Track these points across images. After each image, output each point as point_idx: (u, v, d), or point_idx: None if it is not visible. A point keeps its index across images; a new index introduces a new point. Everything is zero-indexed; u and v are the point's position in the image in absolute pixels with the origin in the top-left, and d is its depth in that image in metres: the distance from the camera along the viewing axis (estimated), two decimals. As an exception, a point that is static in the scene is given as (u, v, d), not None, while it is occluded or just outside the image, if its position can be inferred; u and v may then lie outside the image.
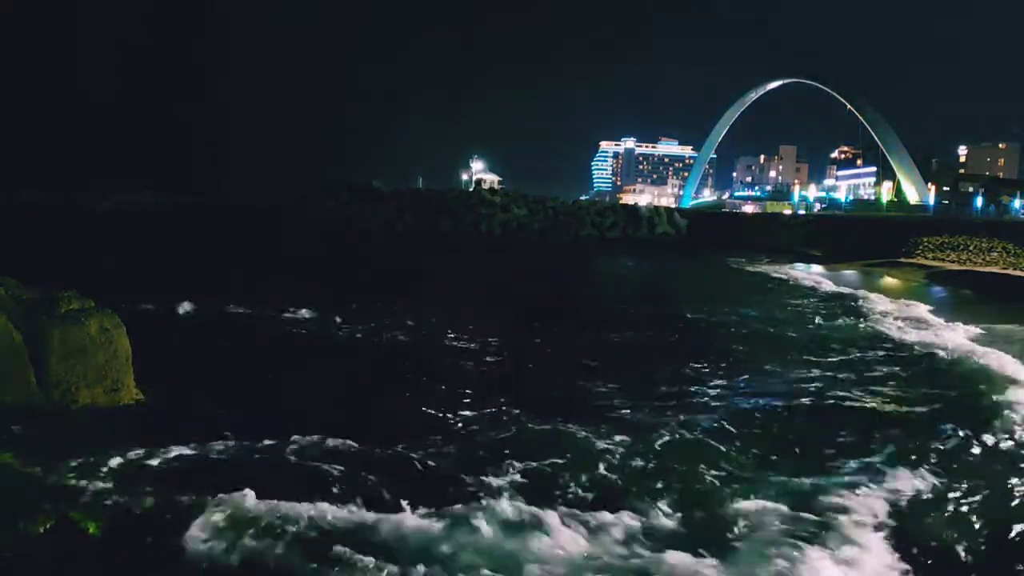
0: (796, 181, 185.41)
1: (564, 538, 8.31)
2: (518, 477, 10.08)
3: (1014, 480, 10.59)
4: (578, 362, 17.75)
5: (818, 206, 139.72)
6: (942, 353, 19.57)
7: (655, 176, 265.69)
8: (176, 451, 10.19)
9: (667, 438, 11.91)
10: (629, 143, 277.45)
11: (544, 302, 30.08)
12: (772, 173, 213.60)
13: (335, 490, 9.30)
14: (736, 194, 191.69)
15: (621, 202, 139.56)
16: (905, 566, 8.04)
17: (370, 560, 7.59)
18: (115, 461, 9.65)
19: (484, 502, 9.06)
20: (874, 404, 14.72)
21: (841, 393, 15.43)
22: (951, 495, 10.02)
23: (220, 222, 77.84)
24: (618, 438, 11.69)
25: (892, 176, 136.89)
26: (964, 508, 9.64)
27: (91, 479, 9.03)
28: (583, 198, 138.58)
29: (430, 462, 10.51)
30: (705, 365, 17.67)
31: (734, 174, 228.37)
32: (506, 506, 8.91)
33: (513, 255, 58.85)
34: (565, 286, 37.96)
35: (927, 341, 21.43)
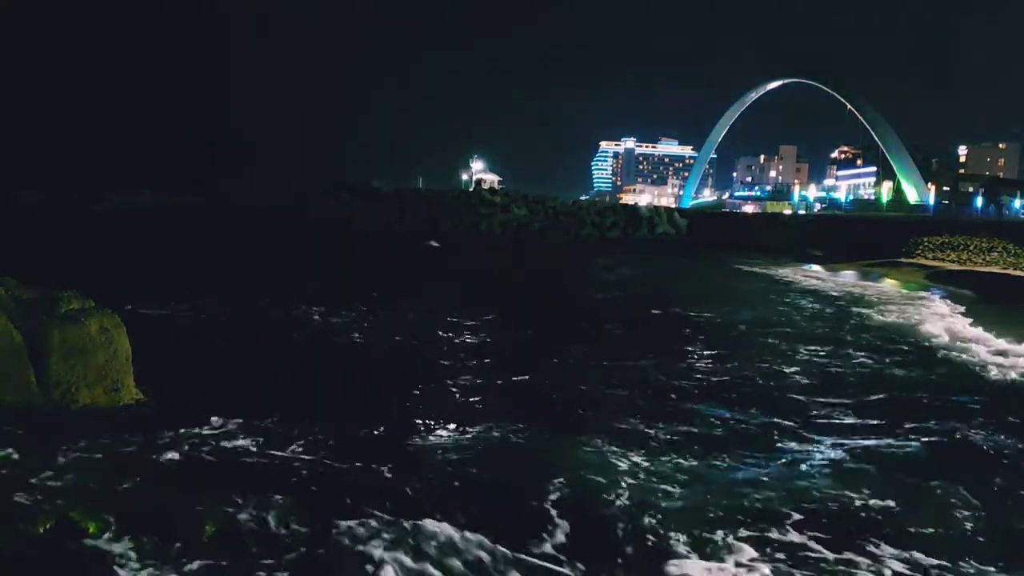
0: (796, 181, 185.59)
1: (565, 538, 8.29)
2: (513, 480, 10.06)
3: None
4: (578, 362, 17.74)
5: (818, 206, 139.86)
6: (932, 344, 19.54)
7: (655, 176, 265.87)
8: (176, 451, 10.19)
9: (666, 443, 11.90)
10: (629, 143, 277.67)
11: (544, 302, 30.08)
12: (772, 173, 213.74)
13: (336, 490, 9.29)
14: (736, 194, 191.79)
15: (621, 202, 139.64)
16: None
17: (370, 561, 7.58)
18: (115, 461, 9.65)
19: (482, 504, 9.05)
20: (881, 407, 14.71)
21: (851, 397, 15.40)
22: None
23: (220, 222, 77.83)
24: (617, 439, 11.68)
25: (892, 176, 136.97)
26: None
27: (91, 479, 9.02)
28: (583, 198, 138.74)
29: (429, 463, 10.50)
30: (705, 366, 17.67)
31: (734, 174, 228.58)
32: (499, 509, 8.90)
33: (513, 255, 58.85)
34: (565, 286, 37.97)
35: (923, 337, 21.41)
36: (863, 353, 19.70)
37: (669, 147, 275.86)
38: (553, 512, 8.94)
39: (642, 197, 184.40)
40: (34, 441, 10.00)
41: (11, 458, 9.36)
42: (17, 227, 54.63)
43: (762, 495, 9.71)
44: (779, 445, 11.85)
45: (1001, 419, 13.52)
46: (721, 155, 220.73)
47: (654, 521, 8.80)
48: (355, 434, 11.44)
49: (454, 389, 14.68)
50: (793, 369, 17.55)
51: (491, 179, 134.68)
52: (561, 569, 7.71)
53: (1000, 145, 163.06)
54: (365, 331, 20.88)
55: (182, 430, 11.00)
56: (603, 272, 45.62)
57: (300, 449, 10.63)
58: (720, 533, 8.55)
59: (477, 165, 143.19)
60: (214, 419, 11.63)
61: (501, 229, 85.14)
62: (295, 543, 7.90)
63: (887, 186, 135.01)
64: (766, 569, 7.87)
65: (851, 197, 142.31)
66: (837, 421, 13.35)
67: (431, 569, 7.55)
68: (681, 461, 10.82)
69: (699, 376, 16.53)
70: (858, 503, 9.60)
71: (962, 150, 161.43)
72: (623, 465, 10.60)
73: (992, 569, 8.03)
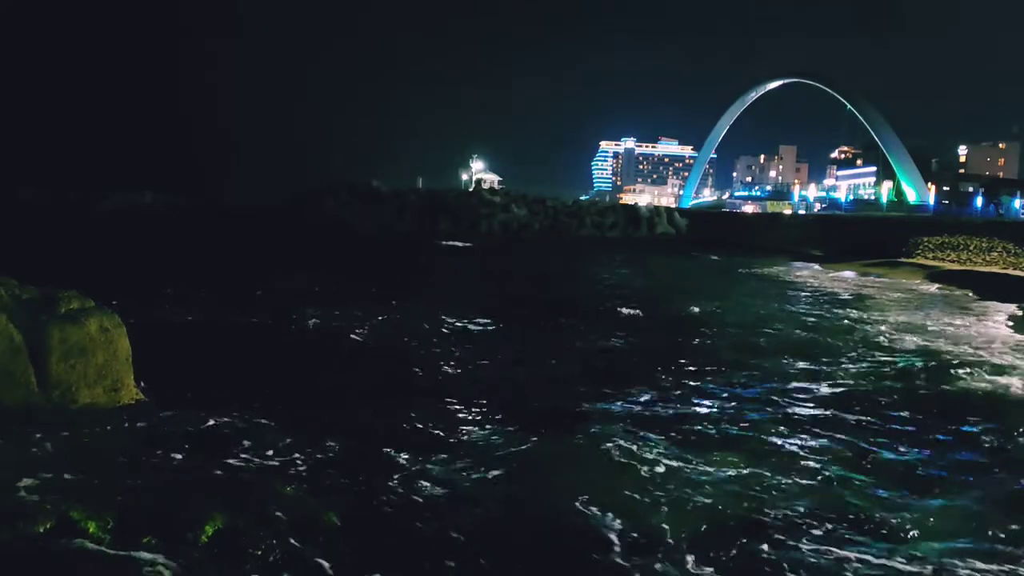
0: (796, 181, 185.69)
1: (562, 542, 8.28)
2: (505, 486, 10.06)
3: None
4: (577, 363, 17.75)
5: (818, 206, 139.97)
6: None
7: (655, 176, 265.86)
8: (176, 451, 10.19)
9: (664, 446, 11.90)
10: (629, 143, 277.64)
11: (544, 302, 30.06)
12: (772, 173, 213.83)
13: (336, 490, 9.29)
14: (736, 194, 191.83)
15: (621, 202, 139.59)
16: None
17: (368, 561, 7.58)
18: (115, 461, 9.64)
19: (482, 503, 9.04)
20: (880, 407, 14.70)
21: (845, 397, 15.40)
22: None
23: (219, 222, 77.85)
24: (615, 442, 11.68)
25: (892, 176, 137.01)
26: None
27: (91, 479, 9.01)
28: (583, 198, 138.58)
29: (428, 464, 10.50)
30: (704, 368, 17.66)
31: (734, 174, 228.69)
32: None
33: (513, 255, 58.84)
34: (566, 286, 37.94)
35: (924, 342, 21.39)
36: (859, 354, 19.70)
37: (669, 147, 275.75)
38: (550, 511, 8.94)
39: (642, 197, 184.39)
40: (34, 441, 10.00)
41: (11, 458, 9.36)
42: (17, 226, 54.60)
43: (761, 494, 9.71)
44: (778, 443, 11.85)
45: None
46: (721, 155, 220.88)
47: (652, 520, 8.81)
48: (356, 434, 11.43)
49: (454, 389, 14.68)
50: (791, 369, 17.55)
51: (491, 179, 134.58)
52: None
53: (1000, 145, 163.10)
54: (365, 331, 20.87)
55: (182, 430, 11.00)
56: (604, 272, 45.60)
57: (301, 449, 10.62)
58: (730, 540, 8.55)
59: (477, 165, 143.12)
60: (214, 419, 11.64)
61: (501, 229, 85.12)
62: (295, 543, 7.90)
63: (887, 186, 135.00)
64: (764, 569, 7.87)
65: (851, 197, 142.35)
66: (836, 421, 13.35)
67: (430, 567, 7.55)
68: (678, 461, 10.82)
69: (698, 376, 16.53)
70: (860, 502, 9.61)
71: (962, 150, 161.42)
72: (622, 465, 10.60)
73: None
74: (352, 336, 20.19)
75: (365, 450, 10.78)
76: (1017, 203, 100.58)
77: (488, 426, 12.23)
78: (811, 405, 14.39)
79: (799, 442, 12.03)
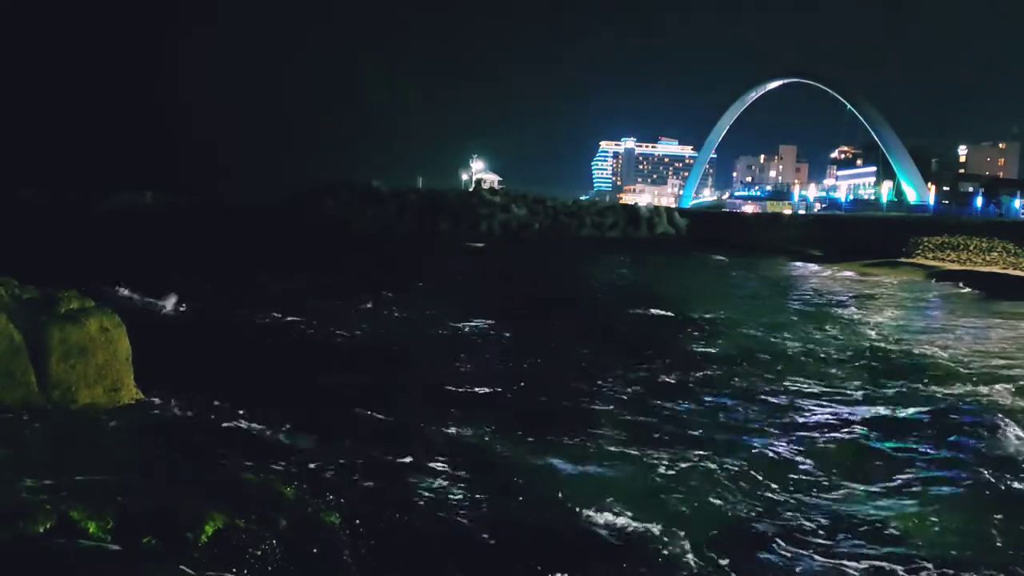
0: (796, 181, 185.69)
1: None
2: (500, 488, 10.05)
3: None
4: (578, 363, 17.74)
5: (818, 206, 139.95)
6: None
7: (655, 176, 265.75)
8: (176, 451, 10.18)
9: (663, 447, 11.89)
10: (629, 143, 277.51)
11: (544, 302, 30.06)
12: (772, 173, 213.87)
13: (336, 490, 9.28)
14: (736, 194, 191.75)
15: (621, 202, 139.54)
16: None
17: (368, 561, 7.58)
18: (115, 461, 9.63)
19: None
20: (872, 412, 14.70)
21: (839, 397, 15.39)
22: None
23: (219, 222, 77.80)
24: (616, 443, 11.68)
25: (892, 176, 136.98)
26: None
27: (91, 479, 9.00)
28: (583, 198, 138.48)
29: (428, 464, 10.49)
30: (704, 369, 17.65)
31: (734, 174, 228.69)
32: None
33: (513, 254, 58.83)
34: (566, 286, 37.94)
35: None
36: (859, 353, 19.69)
37: (669, 147, 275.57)
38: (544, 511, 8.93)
39: (642, 197, 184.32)
40: (34, 441, 9.99)
41: (11, 458, 9.35)
42: (17, 226, 54.57)
43: (760, 493, 9.71)
44: (780, 445, 11.85)
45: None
46: (721, 155, 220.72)
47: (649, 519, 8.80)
48: (357, 433, 11.43)
49: (454, 388, 14.67)
50: (788, 369, 17.54)
51: (491, 179, 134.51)
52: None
53: (1000, 145, 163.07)
54: (364, 331, 20.87)
55: (182, 430, 10.99)
56: (604, 272, 45.58)
57: (301, 448, 10.62)
58: (729, 542, 8.55)
59: (477, 165, 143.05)
60: (214, 419, 11.63)
61: (501, 229, 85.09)
62: (295, 543, 7.89)
63: (887, 186, 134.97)
64: (761, 569, 7.86)
65: (851, 197, 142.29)
66: (833, 420, 13.34)
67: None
68: (677, 462, 10.81)
69: (695, 376, 16.52)
70: (862, 501, 9.60)
71: (962, 150, 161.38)
72: (620, 464, 10.60)
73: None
74: (352, 336, 20.19)
75: (366, 449, 10.77)
76: (1017, 203, 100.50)
77: (489, 425, 12.22)
78: (811, 406, 14.38)
79: (803, 446, 12.03)
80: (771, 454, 11.43)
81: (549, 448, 11.29)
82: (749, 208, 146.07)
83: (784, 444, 11.92)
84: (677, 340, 21.21)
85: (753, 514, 9.20)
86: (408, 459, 10.51)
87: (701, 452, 11.23)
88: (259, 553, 7.60)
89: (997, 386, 15.87)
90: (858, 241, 62.16)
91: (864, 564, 8.06)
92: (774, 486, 10.07)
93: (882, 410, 14.10)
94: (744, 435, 12.31)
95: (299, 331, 20.58)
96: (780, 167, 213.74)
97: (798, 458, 11.30)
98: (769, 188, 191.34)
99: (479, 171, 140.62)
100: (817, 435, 12.44)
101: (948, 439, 12.35)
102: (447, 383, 15.18)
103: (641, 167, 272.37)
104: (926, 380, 16.59)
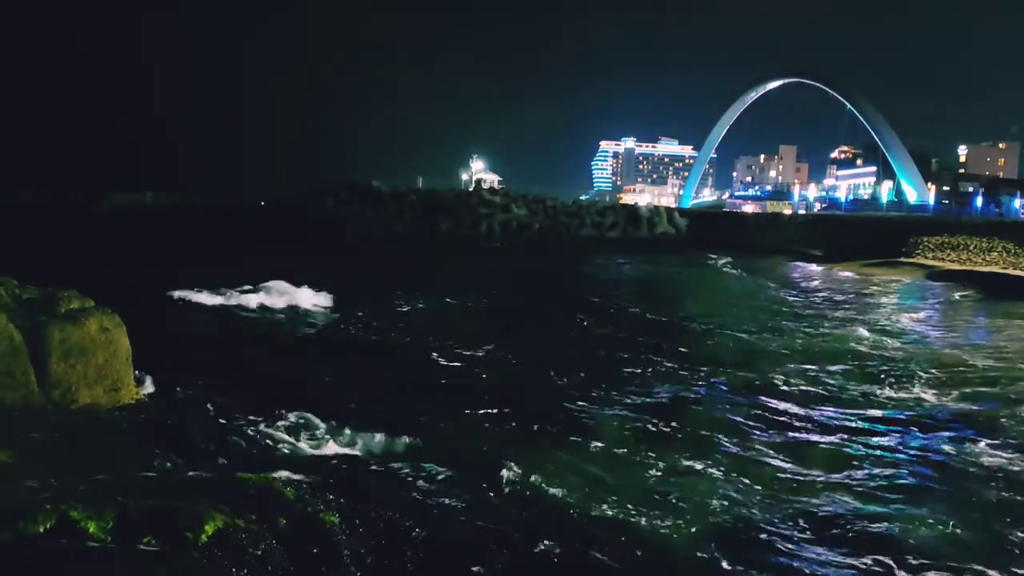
0: (796, 181, 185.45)
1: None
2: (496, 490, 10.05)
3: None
4: (578, 363, 17.74)
5: (818, 206, 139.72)
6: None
7: (655, 176, 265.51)
8: (177, 451, 10.18)
9: (661, 448, 11.90)
10: (629, 143, 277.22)
11: (544, 302, 30.06)
12: (772, 173, 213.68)
13: (336, 490, 9.27)
14: (736, 194, 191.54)
15: (621, 202, 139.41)
16: None
17: (369, 561, 7.57)
18: (115, 461, 9.63)
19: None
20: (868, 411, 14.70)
21: (841, 398, 15.40)
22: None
23: (219, 222, 77.77)
24: (617, 442, 11.68)
25: (892, 176, 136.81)
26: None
27: (91, 479, 9.00)
28: (583, 198, 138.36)
29: (429, 463, 10.50)
30: (701, 368, 17.66)
31: (734, 174, 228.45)
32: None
33: (513, 254, 58.82)
34: (565, 286, 37.94)
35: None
36: (857, 354, 19.69)
37: (669, 147, 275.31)
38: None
39: (642, 197, 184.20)
40: (34, 441, 9.99)
41: (11, 458, 9.35)
42: (16, 226, 54.56)
43: (763, 497, 9.71)
44: (783, 445, 11.85)
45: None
46: (721, 155, 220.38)
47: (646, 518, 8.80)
48: (358, 433, 11.43)
49: (455, 388, 14.68)
50: (785, 369, 17.54)
51: (491, 179, 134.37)
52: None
53: (1000, 145, 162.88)
54: (365, 330, 20.86)
55: (182, 430, 10.99)
56: (603, 272, 45.56)
57: (301, 448, 10.62)
58: (729, 542, 8.55)
59: (477, 165, 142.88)
60: (215, 418, 11.63)
61: (501, 229, 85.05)
62: (295, 543, 7.89)
63: (887, 186, 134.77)
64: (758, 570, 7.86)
65: (851, 197, 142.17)
66: (826, 422, 13.34)
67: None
68: (676, 462, 10.82)
69: (693, 376, 16.52)
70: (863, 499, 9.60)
71: (962, 150, 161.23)
72: (619, 463, 10.60)
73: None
74: (352, 335, 20.19)
75: (366, 449, 10.78)
76: (1017, 203, 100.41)
77: (489, 425, 12.23)
78: (807, 406, 14.38)
79: (801, 447, 12.03)
80: (770, 454, 11.43)
81: (549, 447, 11.30)
82: (749, 208, 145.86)
83: (782, 444, 11.93)
84: (676, 340, 21.21)
85: (752, 514, 9.20)
86: (408, 459, 10.52)
87: (701, 452, 11.24)
88: (259, 553, 7.60)
89: (995, 389, 15.88)
90: (858, 241, 62.13)
91: (861, 565, 8.06)
92: (772, 486, 10.08)
93: (876, 412, 14.10)
94: (742, 434, 12.31)
95: (300, 329, 20.59)
96: (780, 167, 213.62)
97: (796, 458, 11.30)
98: (769, 188, 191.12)
99: (479, 171, 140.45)
100: (813, 436, 12.44)
101: (943, 441, 12.35)
102: (447, 382, 15.19)
103: (641, 167, 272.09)
104: (923, 381, 16.59)
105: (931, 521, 9.16)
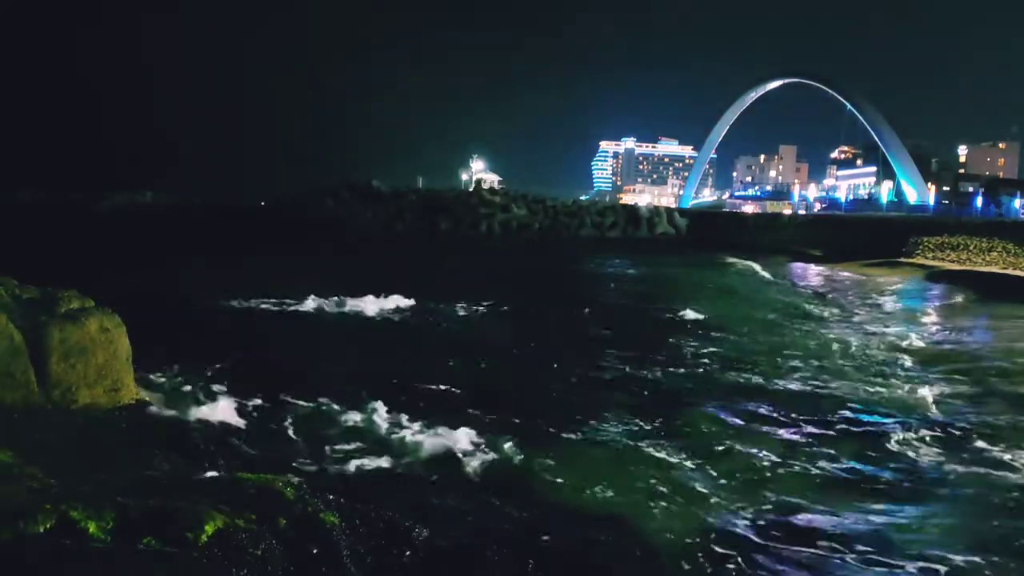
0: (796, 181, 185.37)
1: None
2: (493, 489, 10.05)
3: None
4: (575, 362, 17.74)
5: (818, 206, 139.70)
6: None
7: (655, 176, 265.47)
8: (177, 451, 10.18)
9: (661, 447, 11.90)
10: (629, 143, 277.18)
11: (544, 302, 30.05)
12: (772, 173, 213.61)
13: (336, 490, 9.28)
14: (736, 194, 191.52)
15: (621, 202, 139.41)
16: None
17: (369, 561, 7.58)
18: (115, 461, 9.63)
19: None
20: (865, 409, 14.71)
21: (838, 397, 15.40)
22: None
23: (219, 222, 77.77)
24: (618, 442, 11.68)
25: (892, 176, 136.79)
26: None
27: (91, 479, 9.01)
28: (583, 198, 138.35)
29: (429, 463, 10.51)
30: (699, 368, 17.66)
31: (734, 174, 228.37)
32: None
33: (513, 254, 58.83)
34: (565, 286, 37.94)
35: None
36: (854, 354, 19.69)
37: (669, 147, 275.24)
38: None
39: (642, 197, 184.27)
40: (34, 441, 9.99)
41: (11, 458, 9.35)
42: (16, 226, 54.56)
43: (763, 498, 9.72)
44: (782, 447, 11.85)
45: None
46: (721, 155, 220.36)
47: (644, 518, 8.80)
48: (358, 433, 11.43)
49: (455, 387, 14.68)
50: (783, 368, 17.54)
51: (491, 179, 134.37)
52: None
53: (1000, 145, 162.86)
54: (365, 331, 20.87)
55: (182, 429, 11.00)
56: (603, 272, 45.55)
57: (302, 448, 10.63)
58: (729, 542, 8.55)
59: (477, 165, 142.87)
60: (215, 418, 11.63)
61: (501, 229, 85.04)
62: (295, 543, 7.89)
63: (887, 186, 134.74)
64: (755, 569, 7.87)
65: (851, 197, 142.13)
66: (836, 423, 13.35)
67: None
68: (675, 461, 10.82)
69: (691, 376, 16.52)
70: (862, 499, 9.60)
71: (962, 150, 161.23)
72: (619, 463, 10.60)
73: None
74: (352, 335, 20.20)
75: (367, 449, 10.78)
76: (1017, 203, 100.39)
77: (489, 424, 12.23)
78: (804, 406, 14.39)
79: (797, 446, 12.03)
80: (768, 454, 11.43)
81: (548, 447, 11.30)
82: (749, 208, 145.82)
83: (779, 444, 11.93)
84: (675, 339, 21.21)
85: (751, 514, 9.20)
86: (408, 458, 10.52)
87: (700, 452, 11.24)
88: (259, 553, 7.60)
89: (995, 389, 15.89)
90: (858, 241, 62.14)
91: (861, 564, 8.07)
92: (771, 486, 10.08)
93: (877, 412, 14.10)
94: (741, 434, 12.32)
95: (300, 329, 20.58)
96: (780, 167, 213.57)
97: (793, 458, 11.30)
98: (769, 188, 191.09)
99: (479, 171, 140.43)
100: (809, 436, 12.44)
101: (943, 441, 12.36)
102: (447, 382, 15.19)
103: (641, 167, 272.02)
104: (923, 381, 16.60)
105: (931, 521, 9.16)
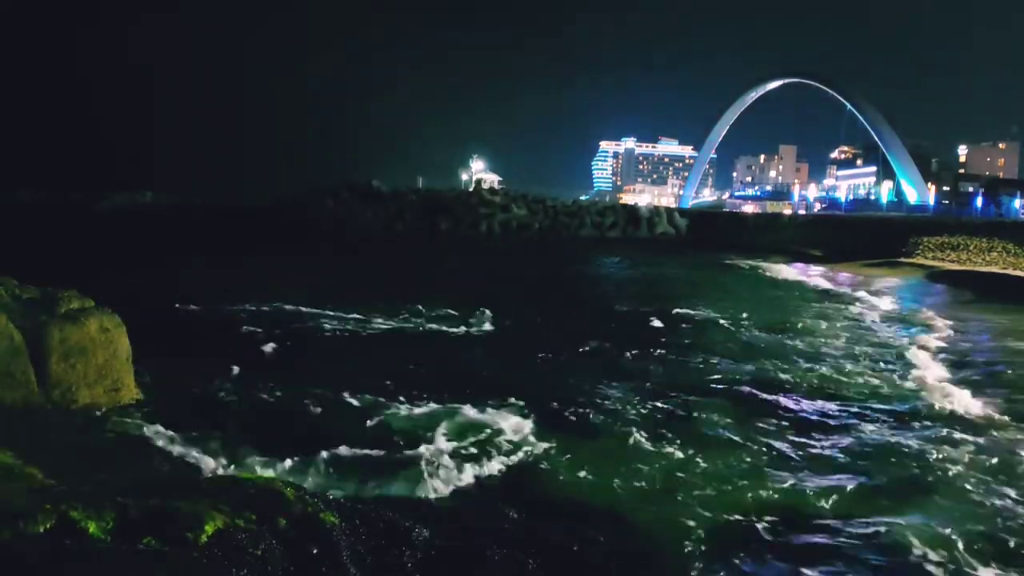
0: (796, 181, 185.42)
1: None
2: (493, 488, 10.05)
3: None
4: (575, 361, 17.75)
5: (818, 206, 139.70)
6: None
7: (655, 176, 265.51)
8: (177, 451, 10.19)
9: (663, 445, 11.90)
10: (629, 143, 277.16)
11: (544, 301, 30.05)
12: (772, 173, 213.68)
13: (336, 490, 9.28)
14: (736, 194, 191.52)
15: (621, 202, 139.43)
16: None
17: (369, 561, 7.57)
18: (115, 461, 9.64)
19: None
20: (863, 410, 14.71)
21: (838, 397, 15.41)
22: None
23: (219, 222, 77.78)
24: (618, 442, 11.68)
25: (892, 176, 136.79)
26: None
27: (91, 479, 9.01)
28: (583, 198, 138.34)
29: (429, 463, 10.50)
30: (697, 368, 17.66)
31: (734, 174, 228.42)
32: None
33: (513, 254, 58.83)
34: (565, 286, 37.94)
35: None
36: (852, 355, 19.69)
37: (669, 147, 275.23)
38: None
39: (642, 197, 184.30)
40: (34, 441, 9.99)
41: (11, 458, 9.35)
42: (16, 226, 54.57)
43: (763, 497, 9.71)
44: (782, 447, 11.85)
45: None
46: (721, 155, 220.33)
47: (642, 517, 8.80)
48: (359, 433, 11.43)
49: (456, 387, 14.67)
50: (782, 368, 17.54)
51: (491, 179, 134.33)
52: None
53: (1000, 145, 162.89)
54: (365, 330, 20.86)
55: (182, 429, 11.00)
56: (603, 272, 45.55)
57: (302, 447, 10.62)
58: (732, 540, 8.55)
59: (477, 165, 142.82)
60: (215, 418, 11.64)
61: (501, 229, 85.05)
62: (295, 543, 7.88)
63: (887, 186, 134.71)
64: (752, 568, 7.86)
65: (851, 197, 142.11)
66: (819, 420, 13.35)
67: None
68: (676, 459, 10.82)
69: (690, 376, 16.53)
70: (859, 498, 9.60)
71: (962, 150, 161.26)
72: (618, 462, 10.60)
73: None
74: (352, 335, 20.19)
75: (367, 449, 10.78)
76: (1017, 203, 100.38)
77: (490, 424, 12.23)
78: (802, 406, 14.39)
79: (796, 446, 12.03)
80: (770, 452, 11.43)
81: (548, 446, 11.30)
82: (749, 208, 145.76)
83: (780, 442, 11.93)
84: (675, 339, 21.22)
85: (750, 514, 9.20)
86: (408, 458, 10.52)
87: (701, 449, 11.24)
88: (259, 553, 7.60)
89: (993, 389, 15.89)
90: (858, 241, 62.17)
91: (861, 564, 8.07)
92: (775, 483, 10.08)
93: (879, 410, 14.11)
94: (742, 433, 12.32)
95: (300, 329, 20.58)
96: (780, 167, 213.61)
97: (795, 455, 11.30)
98: (769, 188, 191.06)
99: (479, 171, 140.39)
100: (811, 433, 12.44)
101: (943, 440, 12.36)
102: (447, 382, 15.18)
103: (641, 167, 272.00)
104: (922, 381, 16.60)
105: (932, 521, 9.16)
